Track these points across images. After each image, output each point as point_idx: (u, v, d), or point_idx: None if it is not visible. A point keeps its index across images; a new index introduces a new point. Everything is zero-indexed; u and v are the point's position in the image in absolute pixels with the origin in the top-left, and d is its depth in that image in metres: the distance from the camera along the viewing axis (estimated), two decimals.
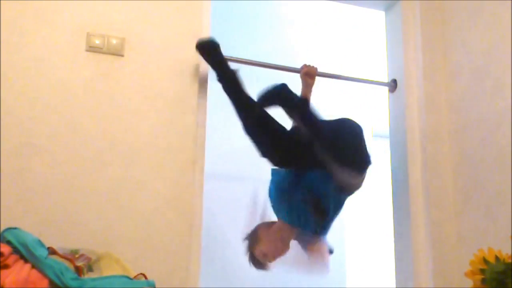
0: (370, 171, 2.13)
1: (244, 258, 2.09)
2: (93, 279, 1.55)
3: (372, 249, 3.90)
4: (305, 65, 2.42)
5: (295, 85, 2.47)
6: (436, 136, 2.47)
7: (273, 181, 2.17)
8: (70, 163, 1.95)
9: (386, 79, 2.71)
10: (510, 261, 1.49)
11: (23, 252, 1.50)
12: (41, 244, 1.57)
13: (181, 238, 2.02)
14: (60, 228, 1.88)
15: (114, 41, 2.08)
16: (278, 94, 2.11)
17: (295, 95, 2.15)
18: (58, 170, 1.93)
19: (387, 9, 2.76)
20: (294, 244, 2.09)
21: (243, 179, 2.43)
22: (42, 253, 1.52)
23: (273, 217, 2.11)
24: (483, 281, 1.48)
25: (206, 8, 2.27)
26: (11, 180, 1.87)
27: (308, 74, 2.38)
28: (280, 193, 2.11)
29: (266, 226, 2.09)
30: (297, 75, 2.46)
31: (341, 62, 3.77)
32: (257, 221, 2.10)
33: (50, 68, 1.99)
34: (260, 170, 2.52)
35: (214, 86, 2.16)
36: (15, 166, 1.88)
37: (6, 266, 1.44)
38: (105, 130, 2.01)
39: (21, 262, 1.48)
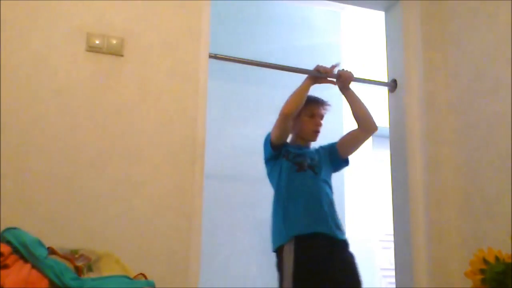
0: None
1: (244, 258, 2.10)
2: (93, 279, 1.55)
3: (372, 249, 3.90)
4: (318, 66, 2.41)
5: (294, 85, 2.47)
6: (436, 136, 2.47)
7: None
8: (70, 163, 1.95)
9: (386, 79, 2.71)
10: (510, 261, 1.49)
11: (23, 252, 1.50)
12: (41, 244, 1.56)
13: (181, 238, 2.02)
14: (60, 228, 1.88)
15: (114, 41, 2.08)
16: None
17: None
18: (58, 170, 1.93)
19: (387, 9, 2.76)
20: None
21: (243, 179, 2.43)
22: (42, 253, 1.51)
23: None
24: (483, 281, 1.48)
25: (206, 8, 2.26)
26: (11, 180, 1.86)
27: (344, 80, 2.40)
28: None
29: None
30: (296, 75, 2.46)
31: (341, 62, 3.76)
32: None
33: (50, 68, 1.99)
34: (260, 170, 2.52)
35: (214, 86, 2.16)
36: (15, 166, 1.88)
37: (6, 266, 1.44)
38: (105, 130, 2.01)
39: (21, 262, 1.48)
